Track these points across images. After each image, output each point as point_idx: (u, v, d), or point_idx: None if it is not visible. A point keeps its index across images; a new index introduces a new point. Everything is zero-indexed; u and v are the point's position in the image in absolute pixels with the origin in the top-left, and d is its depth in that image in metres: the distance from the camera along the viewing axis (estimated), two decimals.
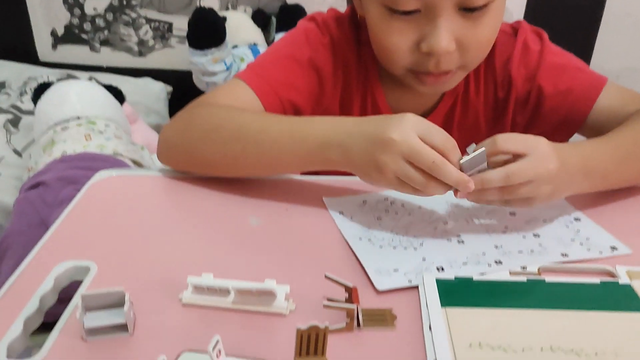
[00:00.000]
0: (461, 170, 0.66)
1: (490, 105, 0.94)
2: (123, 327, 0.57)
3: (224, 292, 0.59)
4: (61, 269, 0.66)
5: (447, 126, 0.90)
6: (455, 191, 0.68)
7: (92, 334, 0.56)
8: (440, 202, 0.77)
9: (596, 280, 0.64)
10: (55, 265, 0.67)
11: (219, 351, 0.45)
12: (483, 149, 0.67)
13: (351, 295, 0.59)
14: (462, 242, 0.70)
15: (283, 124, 0.77)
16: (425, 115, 0.93)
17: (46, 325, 0.60)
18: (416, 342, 0.56)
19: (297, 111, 0.89)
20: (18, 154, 1.28)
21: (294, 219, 0.75)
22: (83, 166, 0.89)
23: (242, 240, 0.71)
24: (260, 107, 0.86)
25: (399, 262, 0.66)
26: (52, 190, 1.01)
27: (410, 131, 0.66)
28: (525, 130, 0.94)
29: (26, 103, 1.69)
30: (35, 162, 1.18)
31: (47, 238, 0.72)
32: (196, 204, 0.79)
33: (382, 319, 0.58)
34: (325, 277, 0.60)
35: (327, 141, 0.72)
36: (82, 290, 0.62)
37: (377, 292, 0.62)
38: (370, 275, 0.64)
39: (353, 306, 0.56)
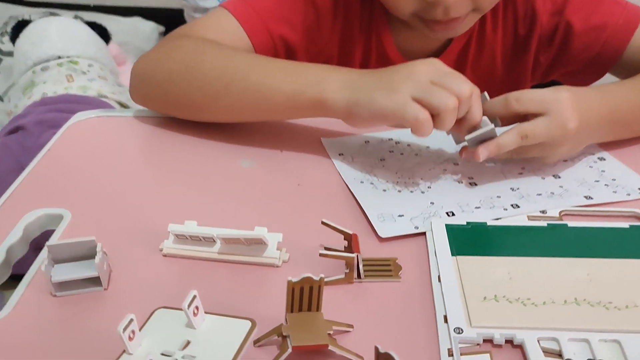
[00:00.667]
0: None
1: (509, 43, 0.84)
2: (96, 281, 0.51)
3: (209, 241, 0.53)
4: (31, 217, 0.60)
5: (459, 68, 0.81)
6: (461, 151, 0.63)
7: (61, 288, 0.51)
8: (450, 142, 0.70)
9: (624, 224, 0.57)
10: (25, 214, 0.60)
11: (196, 308, 0.39)
12: (492, 126, 0.60)
13: (350, 243, 0.52)
14: (475, 184, 0.63)
15: (273, 62, 0.69)
16: (436, 56, 0.84)
17: (18, 278, 0.54)
18: (424, 295, 0.50)
19: (289, 50, 0.80)
20: None
21: (289, 161, 0.68)
22: (64, 109, 0.82)
23: (231, 185, 0.65)
24: (246, 42, 0.77)
25: (404, 207, 0.59)
26: (31, 135, 0.95)
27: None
28: (549, 71, 0.85)
29: (7, 44, 1.59)
30: (15, 105, 1.11)
31: (18, 184, 0.66)
32: (182, 147, 0.72)
33: (385, 269, 0.52)
34: (322, 223, 0.53)
35: (325, 76, 0.64)
36: (53, 240, 0.56)
37: (380, 239, 0.56)
38: (372, 222, 0.57)
39: (353, 255, 0.50)
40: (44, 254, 0.49)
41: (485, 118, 0.60)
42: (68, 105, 0.93)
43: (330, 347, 0.43)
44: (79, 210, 0.61)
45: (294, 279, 0.43)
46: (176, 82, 0.71)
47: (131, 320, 0.37)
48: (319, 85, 0.64)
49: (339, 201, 0.62)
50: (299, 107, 0.66)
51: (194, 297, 0.39)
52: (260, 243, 0.52)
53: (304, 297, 0.44)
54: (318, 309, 0.45)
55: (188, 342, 0.38)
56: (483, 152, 0.60)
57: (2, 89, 1.20)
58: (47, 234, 0.65)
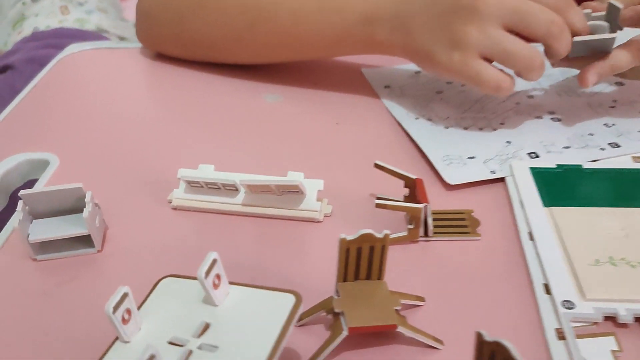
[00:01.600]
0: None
1: None
2: (86, 241, 0.40)
3: (230, 189, 0.42)
4: (10, 163, 0.49)
5: None
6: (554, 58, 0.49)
7: (43, 250, 0.39)
8: None
9: None
10: (2, 159, 0.49)
11: (217, 277, 0.28)
12: (615, 35, 0.46)
13: (414, 190, 0.40)
14: (558, 119, 0.51)
15: None
16: None
17: None
18: (512, 257, 0.38)
19: None
20: None
21: (324, 96, 0.56)
22: (59, 44, 0.70)
23: (253, 124, 0.53)
24: None
25: (474, 147, 0.47)
26: (21, 74, 0.83)
27: None
28: None
29: None
30: (4, 43, 0.99)
31: None
32: (193, 82, 0.60)
33: (459, 224, 0.40)
34: (375, 166, 0.42)
35: (373, 13, 0.51)
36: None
37: (448, 187, 0.44)
38: (436, 165, 0.45)
39: (420, 206, 0.38)
40: (19, 206, 0.38)
41: (602, 23, 0.47)
42: (63, 40, 0.81)
43: (400, 329, 0.31)
44: (68, 156, 0.49)
45: (349, 237, 0.31)
46: (189, 20, 0.58)
47: (125, 295, 0.26)
48: (367, 26, 0.51)
49: (388, 142, 0.50)
50: (344, 48, 0.56)
51: (214, 261, 0.27)
52: (296, 192, 0.40)
53: (361, 260, 0.32)
54: (380, 276, 0.33)
55: (207, 326, 0.26)
56: (592, 77, 0.47)
57: None
58: (30, 186, 0.54)
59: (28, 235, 0.38)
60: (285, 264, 0.38)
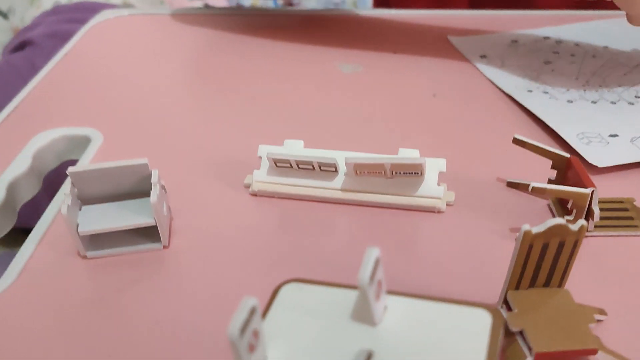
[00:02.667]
0: None
1: None
2: (150, 233, 0.31)
3: (328, 170, 0.33)
4: (44, 139, 0.40)
5: None
6: None
7: (95, 245, 0.31)
8: (637, 40, 0.49)
9: None
10: (34, 135, 0.41)
11: (379, 284, 0.19)
12: None
13: (566, 172, 0.32)
14: None
15: None
16: None
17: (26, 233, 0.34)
18: None
19: None
20: (3, 15, 0.98)
21: (409, 66, 0.48)
22: (82, 19, 0.62)
23: (331, 97, 0.44)
24: None
25: (614, 124, 0.38)
26: (41, 50, 0.74)
27: None
28: None
29: None
30: (21, 18, 0.90)
31: (23, 98, 0.46)
32: (251, 51, 0.51)
33: (623, 216, 0.32)
34: (514, 140, 0.33)
35: None
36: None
37: (593, 170, 0.35)
38: (573, 145, 0.36)
39: (587, 191, 0.29)
40: (65, 188, 0.30)
41: None
42: (86, 14, 0.72)
43: (600, 354, 0.23)
44: (112, 132, 0.41)
45: (534, 228, 0.23)
46: None
47: (253, 310, 0.17)
48: None
49: (501, 117, 0.41)
50: None
51: (377, 262, 0.19)
52: (413, 174, 0.32)
53: (544, 261, 0.24)
54: (562, 283, 0.25)
55: (369, 355, 0.18)
56: None
57: (7, 5, 0.99)
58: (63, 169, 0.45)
59: (77, 226, 0.30)
60: (398, 264, 0.30)
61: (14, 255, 0.32)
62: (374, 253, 0.19)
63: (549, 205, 0.33)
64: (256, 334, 0.18)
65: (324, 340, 0.19)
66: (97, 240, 0.31)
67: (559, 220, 0.23)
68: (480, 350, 0.18)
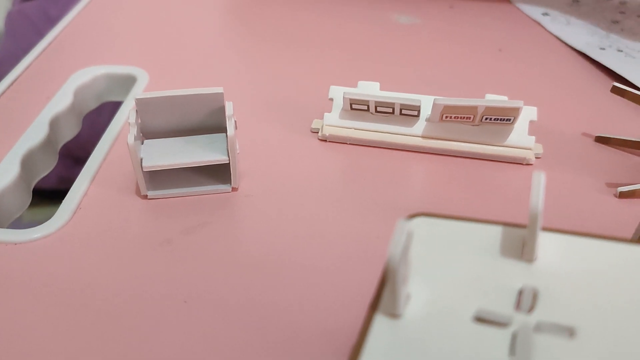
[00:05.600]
0: None
1: None
2: (221, 173, 0.28)
3: (409, 114, 0.30)
4: (85, 76, 0.37)
5: None
6: None
7: (158, 184, 0.28)
8: None
9: None
10: (73, 73, 0.37)
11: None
12: None
13: None
14: None
15: None
16: None
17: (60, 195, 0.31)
18: None
19: None
20: None
21: (468, 20, 0.45)
22: None
23: (394, 48, 0.41)
24: None
25: None
26: (57, 0, 0.70)
27: None
28: None
29: None
30: None
31: (57, 34, 0.42)
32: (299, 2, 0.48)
33: None
34: (613, 89, 0.31)
35: None
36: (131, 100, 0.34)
37: None
38: None
39: None
40: (130, 116, 0.27)
41: None
42: None
43: None
44: (159, 71, 0.38)
45: None
46: None
47: (410, 235, 0.15)
48: None
49: (575, 74, 0.39)
50: None
51: (542, 183, 0.16)
52: (507, 120, 0.29)
53: None
54: None
55: (535, 293, 0.16)
56: None
57: None
58: (109, 110, 0.43)
59: (141, 160, 0.27)
60: (490, 218, 0.27)
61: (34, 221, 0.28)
62: (541, 178, 0.16)
63: None
64: (409, 265, 0.16)
65: (476, 277, 0.16)
66: (158, 179, 0.28)
67: None
68: None
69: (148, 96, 0.27)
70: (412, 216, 0.19)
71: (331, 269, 0.25)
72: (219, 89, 0.27)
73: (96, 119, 0.48)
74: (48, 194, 0.49)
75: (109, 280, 0.24)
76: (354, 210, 0.28)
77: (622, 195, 0.28)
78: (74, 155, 0.66)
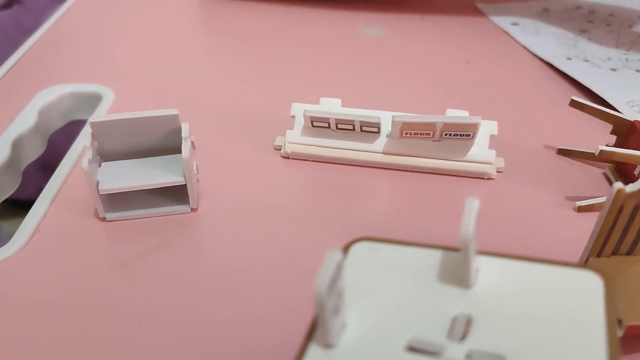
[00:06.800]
0: None
1: None
2: (178, 194, 0.28)
3: (370, 131, 0.30)
4: (51, 95, 0.37)
5: None
6: None
7: (116, 205, 0.28)
8: None
9: None
10: (38, 91, 0.37)
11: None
12: None
13: (628, 137, 0.30)
14: None
15: None
16: None
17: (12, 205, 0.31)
18: None
19: None
20: None
21: (438, 31, 0.45)
22: None
23: (360, 61, 0.41)
24: None
25: None
26: (31, 10, 0.70)
27: None
28: None
29: None
30: None
31: (25, 52, 0.42)
32: (265, 12, 0.48)
33: None
34: (572, 102, 0.31)
35: None
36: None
37: None
38: (623, 114, 0.34)
39: None
40: (84, 139, 0.26)
41: None
42: None
43: None
44: (125, 89, 0.38)
45: (629, 187, 0.20)
46: None
47: (339, 266, 0.15)
48: None
49: (541, 84, 0.39)
50: None
51: (476, 211, 0.16)
52: (467, 135, 0.29)
53: (632, 225, 0.21)
54: None
55: (469, 321, 0.16)
56: None
57: None
58: (73, 129, 0.42)
59: (97, 183, 0.27)
60: (447, 235, 0.27)
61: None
62: (474, 204, 0.16)
63: (604, 174, 0.31)
64: (341, 295, 0.16)
65: (412, 304, 0.16)
66: (116, 201, 0.28)
67: None
68: (597, 315, 0.16)
69: (102, 119, 0.27)
70: (353, 241, 0.19)
71: (292, 289, 0.25)
72: (174, 111, 0.27)
73: (79, 130, 0.47)
74: (27, 205, 0.49)
75: (63, 304, 0.24)
76: (315, 229, 0.27)
77: (581, 209, 0.28)
78: (53, 167, 0.66)
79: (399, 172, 0.31)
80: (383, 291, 0.17)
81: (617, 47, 0.42)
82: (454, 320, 0.16)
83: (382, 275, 0.18)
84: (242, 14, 0.47)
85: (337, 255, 0.15)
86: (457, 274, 0.17)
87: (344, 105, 0.32)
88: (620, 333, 0.20)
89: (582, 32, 0.44)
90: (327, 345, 0.16)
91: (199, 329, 0.23)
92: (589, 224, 0.28)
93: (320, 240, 0.27)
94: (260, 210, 0.29)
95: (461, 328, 0.16)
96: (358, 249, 0.19)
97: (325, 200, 0.29)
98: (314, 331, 0.16)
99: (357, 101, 0.33)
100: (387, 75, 0.40)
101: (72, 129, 0.43)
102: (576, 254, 0.24)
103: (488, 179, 0.30)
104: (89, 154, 0.26)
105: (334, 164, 0.31)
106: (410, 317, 0.16)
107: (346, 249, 0.19)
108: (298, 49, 0.43)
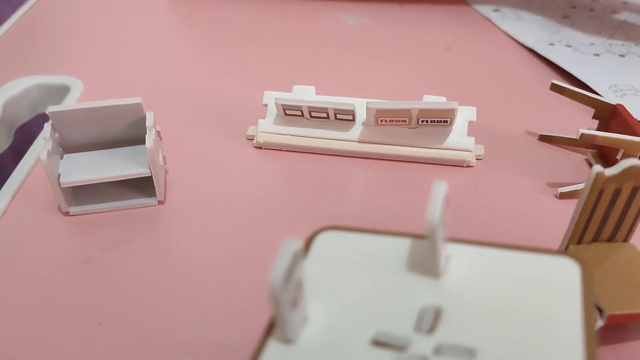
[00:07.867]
0: None
1: None
2: (144, 186, 0.27)
3: (344, 119, 0.29)
4: (16, 87, 0.36)
5: None
6: None
7: (79, 199, 0.27)
8: None
9: None
10: (3, 84, 0.36)
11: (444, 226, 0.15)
12: None
13: (610, 121, 0.29)
14: None
15: None
16: None
17: None
18: None
19: None
20: None
21: (417, 18, 0.44)
22: None
23: (339, 49, 0.40)
24: None
25: None
26: (7, 1, 0.68)
27: None
28: None
29: None
30: None
31: None
32: (242, 3, 0.47)
33: None
34: (552, 86, 0.30)
35: None
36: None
37: None
38: (605, 98, 0.34)
39: None
40: (44, 131, 0.25)
41: None
42: None
43: None
44: (94, 80, 0.37)
45: (608, 170, 0.20)
46: None
47: (297, 256, 0.14)
48: None
49: (523, 70, 0.38)
50: None
51: (445, 199, 0.15)
52: (444, 122, 0.28)
53: (613, 210, 0.21)
54: (628, 237, 0.22)
55: (437, 312, 0.15)
56: None
57: None
58: (41, 122, 0.41)
59: (58, 176, 0.25)
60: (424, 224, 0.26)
61: None
62: (441, 188, 0.15)
63: (587, 160, 0.30)
64: (299, 286, 0.15)
65: (378, 295, 0.15)
66: (80, 194, 0.27)
67: (634, 162, 0.20)
68: (572, 304, 0.15)
69: (62, 109, 0.25)
70: (318, 231, 0.18)
71: (261, 285, 0.24)
72: (138, 99, 0.26)
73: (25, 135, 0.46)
74: None
75: (22, 302, 0.23)
76: (288, 221, 0.26)
77: (562, 196, 0.27)
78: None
79: (375, 160, 0.30)
80: (348, 282, 0.16)
81: (600, 32, 0.41)
82: (422, 312, 0.15)
83: (347, 266, 0.17)
84: (215, 2, 0.46)
85: (294, 244, 0.14)
86: (426, 263, 0.16)
87: (319, 93, 0.31)
88: (601, 323, 0.19)
89: (565, 17, 0.43)
90: (287, 341, 0.15)
91: (162, 327, 0.22)
92: (571, 210, 0.27)
93: (292, 233, 0.26)
94: (230, 202, 0.27)
95: (429, 320, 0.15)
96: (323, 239, 0.18)
97: (299, 191, 0.28)
98: (273, 326, 0.15)
99: (333, 89, 0.32)
100: (365, 63, 0.38)
101: (42, 122, 0.42)
102: (558, 242, 0.23)
103: (467, 166, 0.29)
104: (48, 146, 0.25)
105: (308, 154, 0.30)
106: (376, 309, 0.15)
107: (310, 239, 0.18)
108: (273, 38, 0.41)
